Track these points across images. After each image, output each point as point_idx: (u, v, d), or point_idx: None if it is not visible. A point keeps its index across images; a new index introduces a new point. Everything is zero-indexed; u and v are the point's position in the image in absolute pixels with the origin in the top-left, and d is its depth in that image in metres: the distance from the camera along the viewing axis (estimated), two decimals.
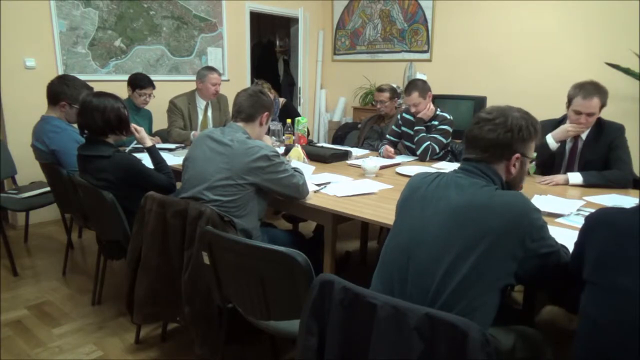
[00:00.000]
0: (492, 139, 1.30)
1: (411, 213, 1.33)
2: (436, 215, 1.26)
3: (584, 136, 2.49)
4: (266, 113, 2.11)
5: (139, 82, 3.50)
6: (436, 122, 3.07)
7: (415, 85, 3.03)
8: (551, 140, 2.50)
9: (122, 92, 3.37)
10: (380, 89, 3.68)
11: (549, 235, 1.26)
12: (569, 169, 2.55)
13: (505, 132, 1.30)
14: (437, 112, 3.10)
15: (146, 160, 2.77)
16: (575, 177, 2.38)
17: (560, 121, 2.58)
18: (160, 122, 3.88)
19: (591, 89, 2.35)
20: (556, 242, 1.29)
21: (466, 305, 1.16)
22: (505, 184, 1.36)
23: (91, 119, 2.15)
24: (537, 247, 1.21)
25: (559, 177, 2.42)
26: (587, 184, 2.35)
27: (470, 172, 1.32)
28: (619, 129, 2.45)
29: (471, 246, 1.18)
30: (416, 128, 3.07)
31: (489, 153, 1.32)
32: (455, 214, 1.23)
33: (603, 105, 2.38)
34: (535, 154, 2.07)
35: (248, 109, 2.05)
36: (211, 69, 3.66)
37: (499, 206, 1.20)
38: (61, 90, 2.71)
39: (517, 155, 1.33)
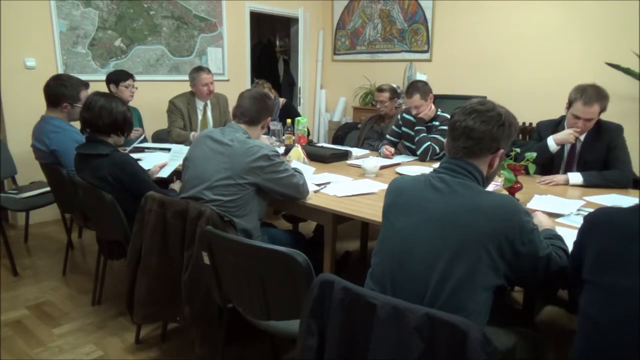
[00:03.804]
0: (485, 131, 1.29)
1: (398, 219, 1.32)
2: (424, 221, 1.25)
3: (582, 137, 2.49)
4: (269, 118, 2.14)
5: (120, 76, 3.46)
6: (437, 123, 3.07)
7: (417, 88, 3.02)
8: (552, 142, 2.50)
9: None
10: (380, 89, 3.68)
11: (540, 239, 1.25)
12: (568, 169, 2.55)
13: (498, 126, 1.29)
14: (438, 113, 3.10)
15: (145, 160, 2.79)
16: (576, 177, 2.38)
17: (559, 122, 2.58)
18: (160, 122, 3.88)
19: (592, 94, 2.32)
20: (548, 246, 1.28)
21: (462, 308, 1.16)
22: (485, 180, 1.36)
23: (98, 117, 2.15)
24: (527, 250, 1.21)
25: (559, 177, 2.42)
26: (588, 184, 2.35)
27: (453, 172, 1.31)
28: (617, 130, 2.45)
29: (462, 249, 1.18)
30: (417, 128, 3.07)
31: (481, 145, 1.30)
32: (444, 218, 1.22)
33: (603, 110, 2.37)
34: (534, 155, 2.08)
35: (254, 113, 2.06)
36: (199, 69, 3.60)
37: (489, 209, 1.20)
38: (60, 93, 2.71)
39: (502, 151, 1.34)
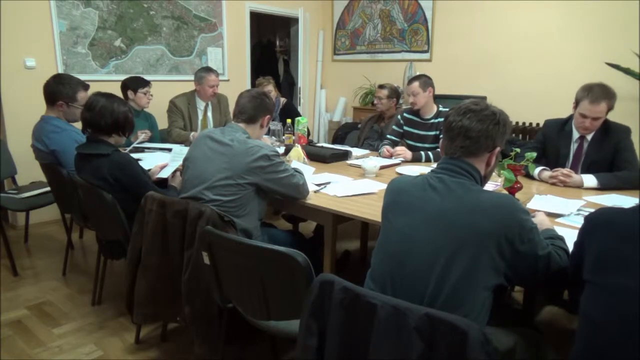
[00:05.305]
0: (482, 130, 1.30)
1: (397, 219, 1.32)
2: (424, 220, 1.26)
3: (589, 137, 2.48)
4: (268, 116, 2.14)
5: (138, 83, 3.47)
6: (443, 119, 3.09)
7: (418, 77, 3.16)
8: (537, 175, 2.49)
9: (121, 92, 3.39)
10: (381, 86, 3.75)
11: (539, 238, 1.25)
12: (573, 168, 2.52)
13: (494, 124, 1.31)
14: (440, 109, 3.13)
15: (146, 160, 2.79)
16: (590, 180, 2.32)
17: (567, 121, 2.56)
18: (160, 122, 3.88)
19: (599, 93, 2.30)
20: (547, 245, 1.29)
21: (461, 308, 1.16)
22: (482, 178, 1.37)
23: (100, 117, 2.16)
24: (527, 249, 1.21)
25: (575, 177, 2.34)
26: (603, 187, 2.29)
27: (452, 172, 1.31)
28: (625, 131, 2.42)
29: (461, 249, 1.18)
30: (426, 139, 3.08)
31: (479, 144, 1.31)
32: (443, 218, 1.23)
33: (610, 109, 2.35)
34: (534, 155, 2.07)
35: (250, 111, 2.06)
36: (208, 70, 3.62)
37: (488, 208, 1.20)
38: (57, 90, 2.71)
39: (498, 148, 1.35)
